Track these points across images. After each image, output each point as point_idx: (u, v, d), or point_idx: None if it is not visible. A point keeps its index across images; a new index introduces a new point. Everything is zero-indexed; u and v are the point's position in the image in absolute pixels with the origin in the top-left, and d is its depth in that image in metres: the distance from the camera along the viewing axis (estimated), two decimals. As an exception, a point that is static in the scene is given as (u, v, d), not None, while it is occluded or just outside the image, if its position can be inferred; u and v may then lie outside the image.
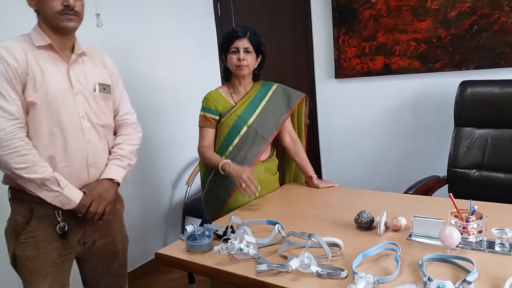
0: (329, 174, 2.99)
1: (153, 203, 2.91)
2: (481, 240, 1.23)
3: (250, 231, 1.35)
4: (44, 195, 1.38)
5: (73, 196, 1.42)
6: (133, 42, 2.68)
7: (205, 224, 1.47)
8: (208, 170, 1.93)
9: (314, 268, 1.14)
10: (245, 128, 1.87)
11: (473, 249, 1.21)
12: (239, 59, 1.83)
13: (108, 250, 1.63)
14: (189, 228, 1.42)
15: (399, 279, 1.08)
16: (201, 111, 1.92)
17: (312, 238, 1.26)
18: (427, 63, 2.48)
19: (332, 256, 1.23)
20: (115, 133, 1.65)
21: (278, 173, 2.04)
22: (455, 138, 2.18)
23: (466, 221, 1.24)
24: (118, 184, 1.57)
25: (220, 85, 3.32)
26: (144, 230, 2.84)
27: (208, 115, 1.90)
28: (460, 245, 1.22)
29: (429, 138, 2.58)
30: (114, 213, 1.61)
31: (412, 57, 2.52)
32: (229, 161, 1.78)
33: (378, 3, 2.57)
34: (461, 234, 1.21)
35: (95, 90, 1.53)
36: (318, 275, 1.13)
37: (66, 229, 1.46)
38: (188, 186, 2.93)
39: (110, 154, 1.58)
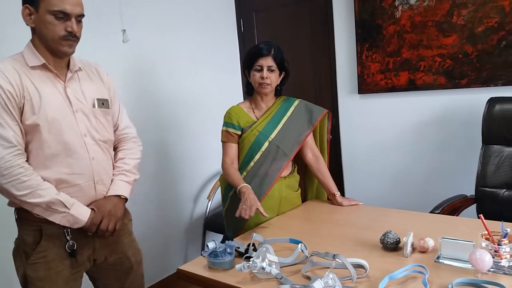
0: (352, 191, 2.94)
1: (174, 216, 2.91)
2: (514, 265, 1.18)
3: (273, 249, 1.33)
4: (52, 217, 1.36)
5: (81, 214, 1.39)
6: (157, 57, 2.73)
7: (226, 241, 1.46)
8: (229, 185, 1.91)
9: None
10: (266, 144, 1.87)
11: (505, 274, 1.16)
12: (262, 78, 1.83)
13: (121, 266, 1.60)
14: (211, 245, 1.41)
15: (428, 304, 1.04)
16: (223, 126, 1.93)
17: (337, 259, 1.23)
18: (453, 79, 2.43)
19: (357, 278, 1.19)
20: (115, 148, 1.63)
21: (299, 189, 2.02)
22: (483, 156, 2.12)
23: (498, 244, 1.19)
24: (126, 200, 1.56)
25: (242, 99, 3.39)
26: (164, 244, 2.84)
27: (230, 130, 1.90)
28: (492, 269, 1.17)
29: (455, 156, 2.51)
30: (122, 228, 1.58)
31: (438, 73, 2.48)
32: (249, 186, 1.75)
33: (402, 18, 2.55)
34: (493, 257, 1.16)
35: (94, 106, 1.49)
36: (343, 297, 1.10)
37: (75, 248, 1.43)
38: (209, 200, 2.93)
39: (114, 169, 1.57)
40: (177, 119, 2.87)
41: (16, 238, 1.46)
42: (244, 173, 1.88)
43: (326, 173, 1.99)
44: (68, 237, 1.41)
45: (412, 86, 2.58)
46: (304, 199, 2.08)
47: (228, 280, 1.28)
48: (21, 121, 1.34)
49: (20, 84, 1.33)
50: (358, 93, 2.81)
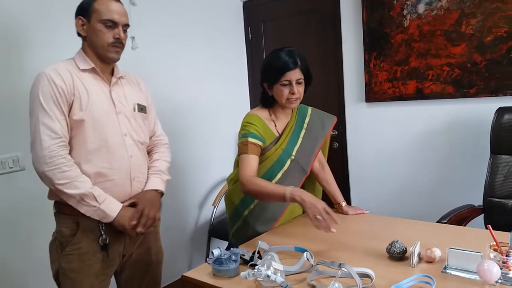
0: (358, 200, 2.93)
1: (179, 223, 2.91)
2: (523, 277, 1.16)
3: (278, 257, 1.32)
4: (84, 209, 1.44)
5: (111, 210, 1.47)
6: (164, 65, 2.75)
7: (232, 248, 1.45)
8: (247, 200, 1.77)
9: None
10: (288, 162, 1.75)
11: (514, 286, 1.15)
12: (292, 93, 1.67)
13: (143, 261, 1.68)
14: (216, 252, 1.41)
15: (435, 315, 1.03)
16: (243, 137, 1.70)
17: (343, 268, 1.22)
18: (462, 88, 2.42)
19: (363, 287, 1.18)
20: (149, 152, 1.74)
21: None
22: (491, 166, 2.10)
23: (507, 256, 1.17)
24: (162, 194, 1.68)
25: (249, 107, 3.40)
26: (169, 251, 2.81)
27: (255, 141, 1.68)
28: (500, 281, 1.15)
29: (463, 165, 2.49)
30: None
31: (446, 82, 2.47)
32: (294, 188, 1.54)
33: (410, 27, 2.55)
34: (501, 269, 1.14)
35: (134, 110, 1.63)
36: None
37: (107, 241, 1.52)
38: (215, 207, 2.93)
39: (148, 169, 1.68)
40: (184, 127, 2.89)
41: (54, 232, 1.56)
42: None
43: (332, 183, 1.97)
44: (102, 231, 1.51)
45: (420, 95, 2.57)
46: None
47: (233, 287, 1.28)
48: (68, 116, 1.46)
49: (72, 83, 1.47)
50: (366, 102, 2.81)
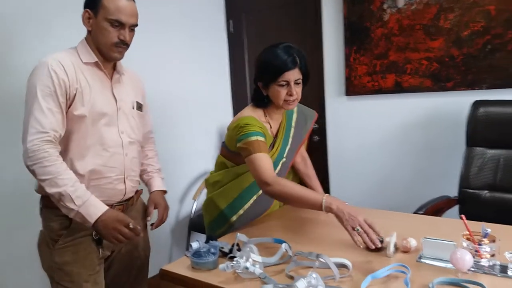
0: (337, 192, 2.96)
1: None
2: (494, 264, 1.19)
3: (257, 249, 1.33)
4: (64, 210, 1.37)
5: (89, 214, 1.36)
6: (144, 58, 2.71)
7: (210, 241, 1.45)
8: (236, 205, 1.69)
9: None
10: (280, 165, 1.70)
11: (485, 273, 1.18)
12: (290, 94, 1.57)
13: (130, 257, 1.66)
14: (195, 245, 1.40)
15: (409, 303, 1.05)
16: (247, 136, 1.54)
17: (320, 259, 1.23)
18: (439, 82, 2.46)
19: (340, 277, 1.20)
20: (141, 147, 1.73)
21: None
22: (466, 158, 2.15)
23: (479, 244, 1.20)
24: (165, 193, 1.78)
25: (230, 100, 3.39)
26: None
27: (263, 139, 1.55)
28: (472, 269, 1.18)
29: (440, 158, 2.54)
30: (138, 218, 1.68)
31: (424, 76, 2.50)
32: (330, 197, 1.40)
33: (390, 21, 2.57)
34: (473, 257, 1.17)
35: (133, 108, 1.60)
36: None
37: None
38: (195, 200, 2.92)
39: (142, 166, 1.73)
40: (163, 121, 2.86)
41: (40, 231, 1.52)
42: (255, 197, 1.69)
43: (314, 177, 1.97)
44: None
45: (398, 88, 2.60)
46: None
47: (212, 280, 1.28)
48: (68, 111, 1.41)
49: (75, 75, 1.42)
50: (346, 95, 2.83)
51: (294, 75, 1.55)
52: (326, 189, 2.95)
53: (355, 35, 2.70)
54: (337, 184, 2.98)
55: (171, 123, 2.91)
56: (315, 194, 1.43)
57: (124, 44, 1.48)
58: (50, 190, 1.34)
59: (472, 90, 2.36)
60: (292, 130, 1.74)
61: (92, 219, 1.36)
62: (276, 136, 1.70)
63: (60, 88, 1.37)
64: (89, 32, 1.49)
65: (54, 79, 1.37)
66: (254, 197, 1.69)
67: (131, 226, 1.40)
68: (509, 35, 2.22)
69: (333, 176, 3.00)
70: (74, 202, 1.35)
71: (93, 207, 1.38)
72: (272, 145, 1.66)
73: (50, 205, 1.43)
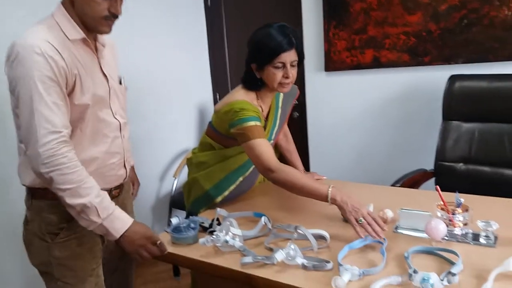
0: (317, 167, 2.99)
1: (140, 196, 2.84)
2: (467, 233, 1.23)
3: (236, 223, 1.34)
4: (84, 223, 1.22)
5: (114, 229, 1.22)
6: (117, 35, 2.62)
7: (190, 217, 1.45)
8: (222, 186, 1.66)
9: (300, 260, 1.13)
10: None
11: (458, 242, 1.22)
12: (286, 77, 1.51)
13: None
14: (174, 221, 1.40)
15: (385, 271, 1.08)
16: (243, 122, 1.49)
17: (298, 230, 1.25)
18: (417, 56, 2.48)
19: (318, 248, 1.22)
20: None
21: None
22: (442, 132, 2.19)
23: (452, 214, 1.24)
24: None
25: (210, 77, 3.35)
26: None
27: (260, 124, 1.51)
28: (446, 238, 1.22)
29: (417, 132, 2.58)
30: (128, 197, 1.59)
31: (402, 51, 2.51)
32: (335, 188, 1.35)
33: (368, -5, 2.56)
34: (447, 226, 1.21)
35: (120, 83, 1.45)
36: (304, 267, 1.12)
37: None
38: (175, 178, 2.91)
39: None
40: (142, 98, 2.81)
41: (27, 223, 1.35)
42: (241, 178, 1.67)
43: (294, 153, 1.99)
44: None
45: (377, 63, 2.61)
46: None
47: (192, 254, 1.28)
48: (69, 100, 1.23)
49: (71, 59, 1.22)
50: (325, 71, 2.83)
51: (290, 56, 1.49)
52: (306, 164, 2.97)
53: (334, 10, 2.68)
54: (317, 159, 3.01)
55: (149, 100, 2.87)
56: (320, 185, 1.39)
57: (115, 17, 1.28)
58: (71, 201, 1.18)
59: (449, 65, 2.39)
60: (279, 111, 1.72)
61: (117, 234, 1.22)
62: (266, 119, 1.68)
63: (61, 77, 1.19)
64: (70, 1, 1.26)
65: (54, 68, 1.17)
66: (241, 178, 1.67)
67: (158, 243, 1.27)
68: (485, 9, 2.24)
69: (312, 151, 3.02)
70: (99, 215, 1.20)
71: (119, 221, 1.23)
72: (264, 129, 1.60)
73: (48, 196, 1.26)
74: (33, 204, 1.32)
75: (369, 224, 1.25)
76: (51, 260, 1.31)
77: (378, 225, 1.24)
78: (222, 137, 1.64)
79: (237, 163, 1.65)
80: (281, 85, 1.54)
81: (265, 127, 1.63)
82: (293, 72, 1.52)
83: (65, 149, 1.17)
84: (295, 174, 1.44)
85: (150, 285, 2.64)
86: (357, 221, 1.26)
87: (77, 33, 1.25)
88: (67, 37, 1.23)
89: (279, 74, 1.51)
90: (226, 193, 1.67)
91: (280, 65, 1.49)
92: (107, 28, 1.29)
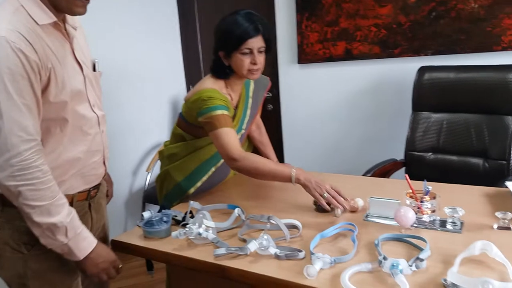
0: (291, 159, 3.01)
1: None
2: (434, 220, 1.26)
3: (210, 215, 1.33)
4: (46, 241, 1.11)
5: (79, 249, 1.14)
6: (88, 24, 2.56)
7: (163, 210, 1.44)
8: (194, 177, 1.64)
9: (273, 250, 1.13)
10: (239, 136, 1.65)
11: (426, 228, 1.24)
12: (254, 63, 1.51)
13: (98, 239, 1.38)
14: (146, 214, 1.39)
15: (356, 259, 1.10)
16: (211, 110, 1.48)
17: (271, 221, 1.26)
18: (387, 48, 2.52)
19: (291, 238, 1.23)
20: None
21: None
22: (412, 122, 2.23)
23: (421, 201, 1.27)
24: None
25: (183, 67, 3.30)
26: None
27: (227, 113, 1.51)
28: (415, 225, 1.25)
29: (388, 123, 2.63)
30: (103, 197, 1.47)
31: (373, 43, 2.55)
32: (298, 169, 1.43)
33: (340, -12, 2.57)
34: (416, 214, 1.23)
35: (94, 69, 1.30)
36: (277, 256, 1.13)
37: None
38: (149, 172, 2.88)
39: None
40: (113, 91, 2.75)
41: None
42: (213, 169, 1.66)
43: (268, 144, 1.99)
44: None
45: (348, 56, 2.64)
46: None
47: (164, 248, 1.27)
48: (42, 99, 1.07)
49: (43, 50, 1.05)
50: (298, 63, 2.84)
51: (257, 42, 1.50)
52: (280, 156, 2.99)
53: (307, 2, 2.69)
54: (291, 151, 3.03)
55: (119, 94, 2.81)
56: (284, 167, 1.44)
57: None
58: (39, 219, 1.06)
59: (418, 57, 2.44)
60: (250, 100, 1.71)
61: (81, 255, 1.14)
62: (236, 108, 1.67)
63: (34, 73, 1.02)
64: None
65: (24, 63, 1.00)
66: (213, 169, 1.66)
67: (120, 267, 1.23)
68: (453, 2, 2.29)
69: (286, 143, 3.04)
70: (66, 235, 1.10)
71: (85, 242, 1.15)
72: (233, 118, 1.61)
73: None
74: (4, 211, 1.16)
75: (333, 196, 1.34)
76: (27, 272, 1.18)
77: (342, 197, 1.35)
78: (192, 127, 1.62)
79: (209, 153, 1.64)
80: (249, 72, 1.54)
81: (234, 116, 1.63)
82: (260, 59, 1.53)
83: (40, 160, 1.05)
84: (258, 160, 1.47)
85: (123, 281, 2.60)
86: (322, 196, 1.35)
87: (46, 16, 1.08)
88: (36, 22, 1.05)
89: (246, 60, 1.51)
90: (199, 184, 1.65)
91: (247, 51, 1.50)
92: (81, 8, 1.11)
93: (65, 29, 1.18)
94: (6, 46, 0.98)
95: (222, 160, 1.63)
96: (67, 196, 1.18)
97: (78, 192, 1.26)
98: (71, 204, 1.20)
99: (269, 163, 1.48)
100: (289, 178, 1.40)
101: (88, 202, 1.32)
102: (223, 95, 1.55)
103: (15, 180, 1.02)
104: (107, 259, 1.20)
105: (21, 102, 1.01)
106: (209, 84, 1.57)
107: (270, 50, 1.59)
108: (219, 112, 1.48)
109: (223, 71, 1.58)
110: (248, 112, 1.70)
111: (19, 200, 1.05)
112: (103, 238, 1.47)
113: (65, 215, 1.10)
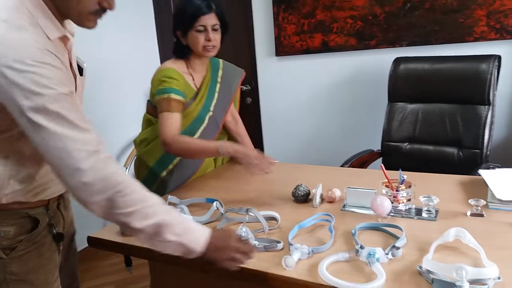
0: (271, 151, 3.01)
1: (90, 187, 2.78)
2: (410, 208, 1.28)
3: (188, 209, 1.33)
4: (160, 247, 1.02)
5: (195, 241, 1.02)
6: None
7: (140, 205, 1.42)
8: (165, 161, 1.68)
9: (252, 242, 1.13)
10: (207, 119, 1.70)
11: (402, 217, 1.26)
12: (208, 40, 1.58)
13: (68, 234, 1.38)
14: (123, 209, 1.36)
15: (333, 248, 1.10)
16: (168, 93, 1.56)
17: (250, 213, 1.25)
18: (363, 40, 2.53)
19: (269, 230, 1.23)
20: None
21: None
22: (388, 113, 2.26)
23: (396, 191, 1.29)
24: None
25: (159, 60, 3.25)
26: (81, 215, 2.70)
27: (178, 97, 1.57)
28: (391, 214, 1.27)
29: (365, 114, 2.66)
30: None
31: (349, 35, 2.56)
32: (224, 142, 1.56)
33: (316, -21, 2.57)
34: (392, 203, 1.25)
35: (81, 74, 1.24)
36: (256, 248, 1.13)
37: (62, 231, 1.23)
38: (127, 168, 2.84)
39: None
40: (89, 87, 2.68)
41: None
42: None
43: (245, 135, 1.98)
44: (51, 219, 1.19)
45: (325, 47, 2.65)
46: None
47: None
48: None
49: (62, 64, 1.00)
50: (276, 56, 2.83)
51: (210, 20, 1.58)
52: (260, 149, 2.99)
53: (283, -6, 2.69)
54: (270, 143, 3.03)
55: (95, 89, 2.75)
56: (211, 143, 1.54)
57: (104, 11, 1.06)
58: (141, 223, 0.98)
59: (394, 48, 2.46)
60: (218, 85, 1.75)
61: (199, 246, 1.02)
62: (199, 88, 1.71)
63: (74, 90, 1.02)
64: None
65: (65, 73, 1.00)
66: None
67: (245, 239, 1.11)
68: (427, -7, 2.32)
69: (266, 136, 3.04)
70: (174, 232, 1.00)
71: (196, 233, 1.04)
72: (195, 97, 1.67)
73: (6, 207, 1.10)
74: None
75: (259, 163, 1.46)
76: (7, 277, 1.13)
77: (267, 161, 1.48)
78: (155, 109, 1.65)
79: (188, 121, 1.65)
80: (205, 49, 1.61)
81: (197, 95, 1.68)
82: (215, 36, 1.60)
83: (114, 165, 0.99)
84: (188, 141, 1.55)
85: (102, 278, 2.57)
86: (249, 164, 1.45)
87: (56, 30, 1.01)
88: (47, 35, 0.98)
89: (201, 37, 1.58)
90: (171, 166, 1.67)
91: (201, 28, 1.57)
92: (93, 23, 1.05)
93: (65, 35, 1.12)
94: (52, 59, 0.95)
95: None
96: (43, 201, 1.16)
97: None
98: (47, 206, 1.18)
99: (199, 142, 1.56)
100: (217, 151, 1.50)
101: (58, 202, 1.29)
102: (180, 74, 1.62)
103: (102, 193, 0.97)
104: (226, 236, 1.07)
105: (75, 117, 0.98)
106: (169, 64, 1.66)
107: (227, 30, 1.67)
108: (166, 95, 1.56)
109: (182, 51, 1.66)
110: (216, 95, 1.73)
111: (112, 212, 0.99)
112: (73, 233, 1.45)
113: (164, 212, 1.02)
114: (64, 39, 1.07)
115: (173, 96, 1.56)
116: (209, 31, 1.58)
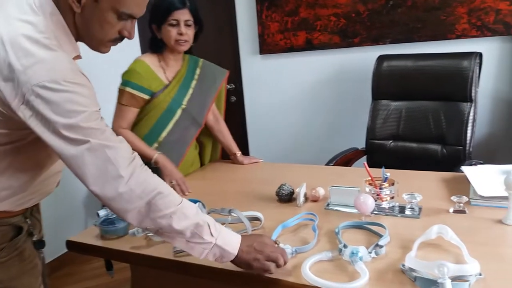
0: (256, 150, 2.99)
1: (70, 189, 2.72)
2: (393, 206, 1.28)
3: (169, 210, 1.29)
4: (196, 251, 1.00)
5: (230, 245, 1.00)
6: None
7: (121, 207, 1.39)
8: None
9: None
10: (179, 112, 1.73)
11: (386, 215, 1.26)
12: (180, 34, 1.64)
13: (41, 236, 1.31)
14: (102, 212, 1.33)
15: (317, 248, 1.09)
16: (125, 85, 1.65)
17: (232, 214, 1.24)
18: (347, 38, 2.53)
19: (253, 230, 1.21)
20: None
21: (198, 147, 1.98)
22: (372, 111, 2.26)
23: (380, 188, 1.28)
24: None
25: (141, 54, 3.19)
26: (61, 219, 2.66)
27: (136, 93, 1.64)
28: (375, 212, 1.26)
29: (349, 112, 2.66)
30: None
31: (333, 32, 2.56)
32: (162, 154, 1.66)
33: (299, -23, 2.56)
34: (375, 200, 1.24)
35: None
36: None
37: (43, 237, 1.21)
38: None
39: None
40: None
41: None
42: (156, 145, 1.72)
43: (228, 135, 1.97)
44: (29, 226, 1.16)
45: (309, 45, 2.64)
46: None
47: (122, 246, 1.23)
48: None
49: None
50: (260, 54, 2.82)
51: (183, 15, 1.63)
52: (245, 148, 2.97)
53: (266, -9, 2.67)
54: (255, 142, 3.02)
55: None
56: (152, 150, 1.67)
57: (122, 39, 1.07)
58: (181, 224, 0.97)
59: (377, 45, 2.47)
60: (194, 82, 1.79)
61: (235, 250, 0.99)
62: (170, 82, 1.74)
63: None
64: (69, 8, 0.99)
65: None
66: (170, 126, 1.73)
67: (277, 241, 1.08)
68: (409, -9, 2.33)
69: (251, 135, 3.02)
70: (211, 233, 0.98)
71: (230, 234, 1.02)
72: (164, 89, 1.71)
73: None
74: None
75: (179, 185, 1.61)
76: None
77: (186, 187, 1.61)
78: None
79: (158, 112, 1.71)
80: (177, 43, 1.66)
81: (166, 87, 1.72)
82: (188, 31, 1.66)
83: (148, 171, 1.01)
84: (132, 138, 1.65)
85: (84, 283, 2.53)
86: (171, 182, 1.59)
87: (73, 50, 1.03)
88: (69, 55, 1.00)
89: (173, 31, 1.64)
90: (156, 144, 1.72)
91: (174, 22, 1.63)
92: (109, 49, 1.09)
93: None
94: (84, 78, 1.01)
95: (179, 113, 1.74)
96: (23, 209, 1.14)
97: None
98: (25, 214, 1.16)
99: (139, 143, 1.67)
100: (151, 158, 1.63)
101: (32, 207, 1.26)
102: (148, 69, 1.68)
103: (141, 198, 0.96)
104: (259, 240, 1.04)
105: (107, 130, 1.00)
106: (143, 56, 1.73)
107: (202, 28, 1.73)
108: (125, 88, 1.65)
109: (157, 45, 1.72)
110: (191, 91, 1.77)
111: (151, 217, 0.98)
112: (42, 236, 1.37)
113: (200, 213, 1.02)
114: (78, 58, 1.08)
115: (128, 89, 1.64)
116: (181, 25, 1.64)
